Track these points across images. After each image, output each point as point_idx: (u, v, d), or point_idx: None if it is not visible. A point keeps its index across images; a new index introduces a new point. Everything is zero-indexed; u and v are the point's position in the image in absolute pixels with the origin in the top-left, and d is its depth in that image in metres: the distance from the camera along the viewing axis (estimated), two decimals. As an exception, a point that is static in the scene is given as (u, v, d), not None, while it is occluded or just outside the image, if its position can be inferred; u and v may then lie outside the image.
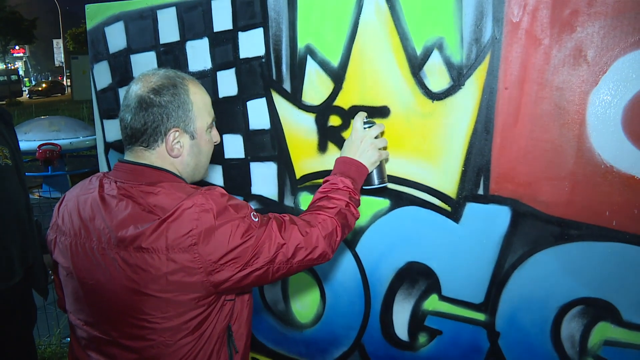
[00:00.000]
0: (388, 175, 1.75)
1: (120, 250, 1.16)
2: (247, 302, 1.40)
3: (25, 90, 42.92)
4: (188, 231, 1.12)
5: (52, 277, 2.35)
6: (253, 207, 1.40)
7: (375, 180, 1.65)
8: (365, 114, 1.62)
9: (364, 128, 1.61)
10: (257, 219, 1.23)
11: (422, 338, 1.97)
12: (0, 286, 1.99)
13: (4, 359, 2.08)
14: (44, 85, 40.61)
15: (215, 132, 1.39)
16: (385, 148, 1.66)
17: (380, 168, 1.65)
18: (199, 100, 1.29)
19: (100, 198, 1.22)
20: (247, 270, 1.18)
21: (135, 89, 1.24)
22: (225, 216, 1.17)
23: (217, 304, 1.24)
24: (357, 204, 1.50)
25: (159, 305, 1.16)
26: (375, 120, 1.83)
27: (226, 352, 1.31)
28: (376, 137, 1.61)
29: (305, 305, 2.21)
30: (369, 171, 1.59)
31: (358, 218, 1.50)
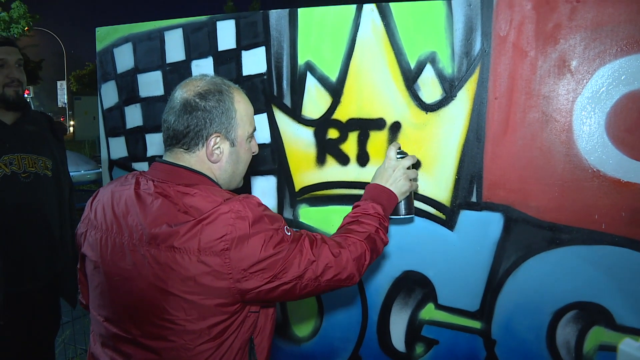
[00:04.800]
0: None
1: (152, 248, 1.15)
2: (271, 317, 1.39)
3: (28, 131, 43.23)
4: (222, 235, 1.12)
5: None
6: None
7: (403, 211, 1.61)
8: (399, 144, 1.62)
9: (397, 158, 1.58)
10: (290, 233, 1.23)
11: (419, 348, 1.98)
12: (21, 288, 2.05)
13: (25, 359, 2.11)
14: (46, 125, 41.05)
15: (254, 142, 1.39)
16: (416, 180, 1.63)
17: (409, 199, 1.62)
18: (242, 109, 1.30)
19: (136, 195, 1.23)
20: (275, 283, 1.17)
21: (181, 93, 1.25)
22: (260, 226, 1.16)
23: (242, 313, 1.23)
24: (386, 230, 1.50)
25: (184, 307, 1.15)
26: (372, 132, 1.92)
27: None
28: (408, 168, 1.58)
29: (303, 318, 2.22)
30: (398, 201, 1.57)
31: (387, 244, 1.49)
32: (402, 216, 1.62)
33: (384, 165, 1.59)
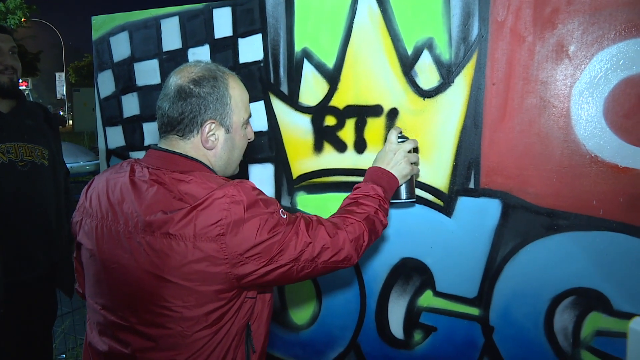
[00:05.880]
0: None
1: (147, 235, 1.15)
2: (268, 302, 1.39)
3: (26, 122, 43.17)
4: (217, 221, 1.12)
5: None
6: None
7: (404, 195, 1.61)
8: (401, 128, 1.62)
9: (398, 142, 1.59)
10: (285, 216, 1.23)
11: (417, 335, 1.98)
12: (18, 278, 2.06)
13: (22, 351, 2.12)
14: (45, 117, 40.86)
15: (250, 129, 1.39)
16: (417, 164, 1.64)
17: (410, 183, 1.62)
18: (237, 95, 1.29)
19: (131, 182, 1.22)
20: (272, 266, 1.17)
21: (176, 79, 1.24)
22: (254, 210, 1.16)
23: (238, 299, 1.23)
24: (386, 212, 1.50)
25: (180, 294, 1.15)
26: (369, 119, 1.91)
27: (244, 350, 1.29)
28: (409, 152, 1.59)
29: (300, 306, 2.23)
30: (399, 184, 1.57)
31: (386, 226, 1.49)
32: (403, 200, 1.62)
33: (385, 149, 1.59)
